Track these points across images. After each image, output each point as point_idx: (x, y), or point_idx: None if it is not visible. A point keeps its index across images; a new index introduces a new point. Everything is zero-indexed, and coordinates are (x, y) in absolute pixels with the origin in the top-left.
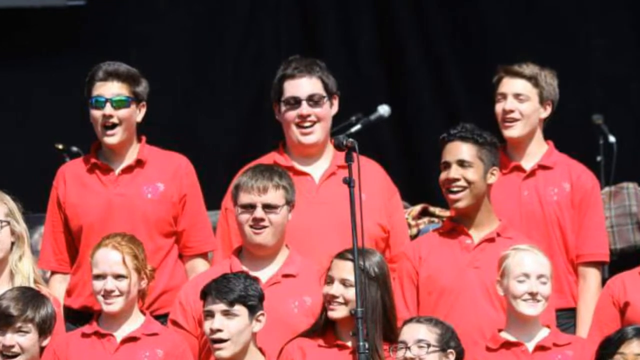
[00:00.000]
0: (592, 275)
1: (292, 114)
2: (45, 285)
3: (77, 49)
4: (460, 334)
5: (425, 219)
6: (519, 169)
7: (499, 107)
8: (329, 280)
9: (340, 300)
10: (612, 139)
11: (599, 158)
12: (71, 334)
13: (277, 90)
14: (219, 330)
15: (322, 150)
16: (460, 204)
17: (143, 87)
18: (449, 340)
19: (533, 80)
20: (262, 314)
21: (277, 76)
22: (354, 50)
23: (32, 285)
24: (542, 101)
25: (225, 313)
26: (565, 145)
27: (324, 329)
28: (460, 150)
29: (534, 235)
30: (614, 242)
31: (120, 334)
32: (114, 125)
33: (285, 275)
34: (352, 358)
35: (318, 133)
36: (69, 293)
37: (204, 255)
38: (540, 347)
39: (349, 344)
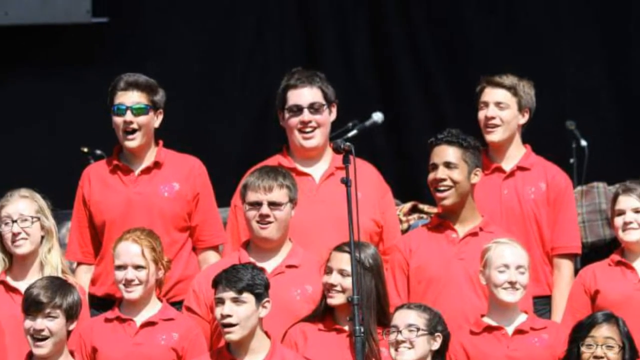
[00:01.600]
0: (566, 266)
1: (294, 121)
2: (71, 275)
3: (100, 62)
4: (446, 319)
5: (415, 215)
6: (500, 170)
7: (481, 114)
8: (328, 271)
9: (338, 288)
10: (583, 142)
11: (571, 160)
12: (95, 319)
13: (281, 99)
14: (229, 316)
15: (321, 153)
16: (447, 202)
17: (160, 96)
18: (436, 324)
19: (512, 89)
20: (268, 301)
21: (281, 86)
22: (351, 62)
23: (60, 275)
24: (521, 109)
25: (235, 300)
26: (541, 148)
27: (323, 314)
28: (447, 153)
29: (513, 230)
30: (585, 236)
31: (139, 319)
32: (134, 131)
33: (289, 266)
34: (349, 341)
35: (318, 138)
36: (93, 282)
37: (215, 248)
38: (518, 331)
39: (346, 328)
